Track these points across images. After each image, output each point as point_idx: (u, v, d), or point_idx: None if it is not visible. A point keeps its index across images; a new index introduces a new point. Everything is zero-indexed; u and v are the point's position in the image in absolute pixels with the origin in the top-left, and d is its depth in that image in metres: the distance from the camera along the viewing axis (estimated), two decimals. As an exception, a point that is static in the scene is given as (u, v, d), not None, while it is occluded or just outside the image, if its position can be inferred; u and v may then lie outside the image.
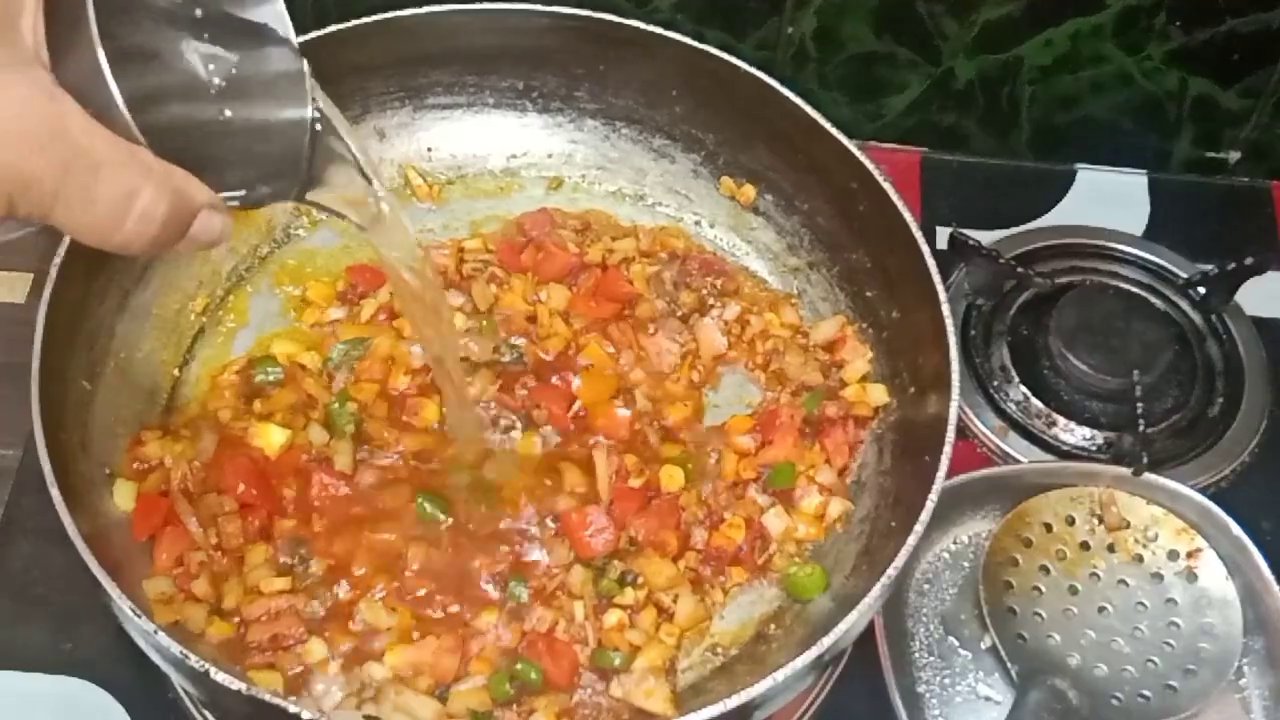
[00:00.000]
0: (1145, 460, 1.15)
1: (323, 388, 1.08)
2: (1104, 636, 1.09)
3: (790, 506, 1.06)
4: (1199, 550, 1.13)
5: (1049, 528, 1.14)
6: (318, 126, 0.76)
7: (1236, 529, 1.12)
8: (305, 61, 0.75)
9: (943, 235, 1.35)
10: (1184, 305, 1.35)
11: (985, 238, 1.34)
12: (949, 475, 0.93)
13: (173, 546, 0.98)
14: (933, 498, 0.92)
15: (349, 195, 0.82)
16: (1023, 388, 1.28)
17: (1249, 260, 1.31)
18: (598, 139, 1.25)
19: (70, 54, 0.63)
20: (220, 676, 0.81)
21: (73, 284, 0.98)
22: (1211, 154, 1.47)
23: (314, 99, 0.75)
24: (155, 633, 0.83)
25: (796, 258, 1.20)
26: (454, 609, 0.98)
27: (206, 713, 1.05)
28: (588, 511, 1.02)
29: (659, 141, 1.24)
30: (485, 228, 1.22)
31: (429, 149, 1.24)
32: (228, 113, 0.72)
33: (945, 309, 1.01)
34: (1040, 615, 1.10)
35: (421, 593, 0.98)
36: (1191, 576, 1.12)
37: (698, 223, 1.24)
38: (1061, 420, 1.26)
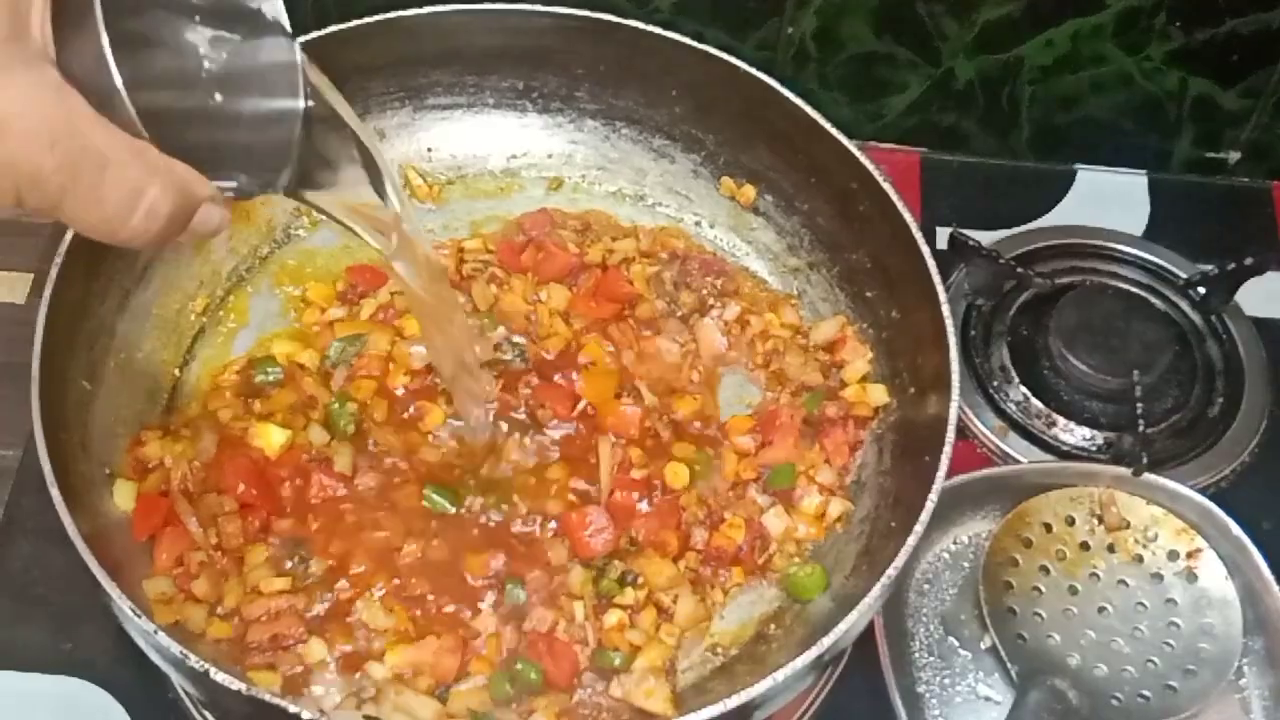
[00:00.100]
0: (1145, 460, 1.15)
1: (322, 387, 1.08)
2: (1104, 636, 1.09)
3: (790, 506, 1.06)
4: (1199, 550, 1.13)
5: (1049, 528, 1.14)
6: (311, 114, 0.77)
7: (1236, 529, 1.12)
8: (300, 52, 0.75)
9: (943, 235, 1.35)
10: (1184, 305, 1.35)
11: (985, 238, 1.34)
12: (949, 475, 0.93)
13: (173, 546, 0.98)
14: (933, 498, 0.92)
15: (358, 204, 0.83)
16: (1023, 388, 1.28)
17: (1249, 260, 1.31)
18: (598, 139, 1.25)
19: (75, 45, 0.64)
20: (220, 676, 0.81)
21: (73, 284, 0.98)
22: (1211, 154, 1.47)
23: (309, 88, 0.76)
24: (155, 633, 0.83)
25: (796, 258, 1.20)
26: (452, 609, 0.98)
27: (206, 713, 1.05)
28: (587, 512, 1.02)
29: (659, 142, 1.24)
30: (485, 228, 1.22)
31: (429, 149, 1.24)
32: (226, 103, 0.73)
33: (945, 309, 1.01)
34: (1040, 615, 1.10)
35: (419, 593, 0.98)
36: (1191, 577, 1.12)
37: (698, 223, 1.24)
38: (1061, 420, 1.26)
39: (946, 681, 1.11)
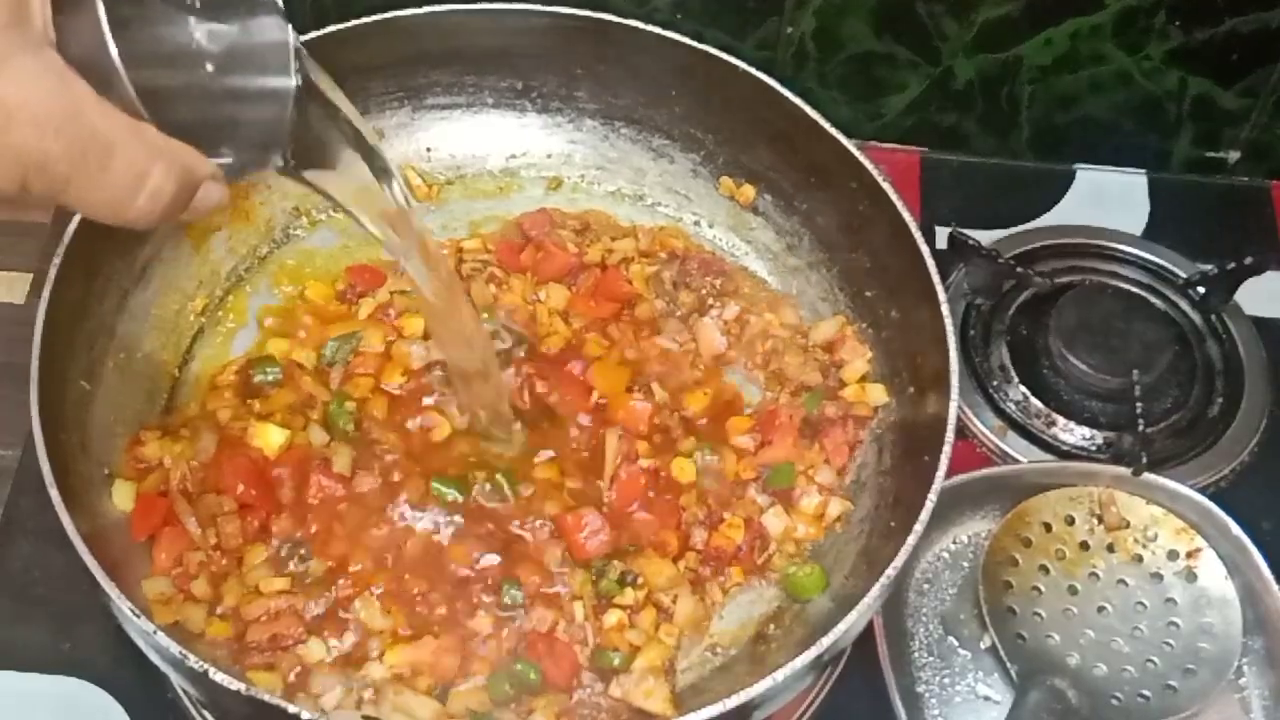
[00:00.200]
0: (1145, 460, 1.15)
1: (321, 385, 1.08)
2: (1103, 636, 1.09)
3: (790, 506, 1.06)
4: (1198, 550, 1.13)
5: (1048, 528, 1.14)
6: (304, 93, 0.77)
7: (1236, 529, 1.12)
8: (293, 31, 0.76)
9: (942, 235, 1.35)
10: (1184, 305, 1.35)
11: (985, 238, 1.34)
12: (948, 475, 0.93)
13: (172, 546, 0.98)
14: (932, 498, 0.92)
15: (358, 190, 0.83)
16: (1022, 387, 1.28)
17: (1249, 260, 1.31)
18: (597, 139, 1.25)
19: (74, 28, 0.64)
20: (219, 677, 0.81)
21: (72, 284, 0.98)
22: (1211, 154, 1.47)
23: (300, 69, 0.77)
24: (154, 633, 0.83)
25: (796, 258, 1.20)
26: (450, 609, 0.98)
27: (206, 713, 1.05)
28: (582, 513, 1.01)
29: (658, 141, 1.24)
30: (484, 228, 1.22)
31: (428, 149, 1.24)
32: (223, 81, 0.74)
33: (945, 309, 1.01)
34: (1040, 615, 1.10)
35: (418, 592, 0.98)
36: (1191, 576, 1.12)
37: (697, 223, 1.24)
38: (1061, 420, 1.26)
39: (946, 681, 1.11)
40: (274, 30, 0.76)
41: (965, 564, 1.16)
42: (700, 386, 1.12)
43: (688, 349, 1.14)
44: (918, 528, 0.90)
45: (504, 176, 1.26)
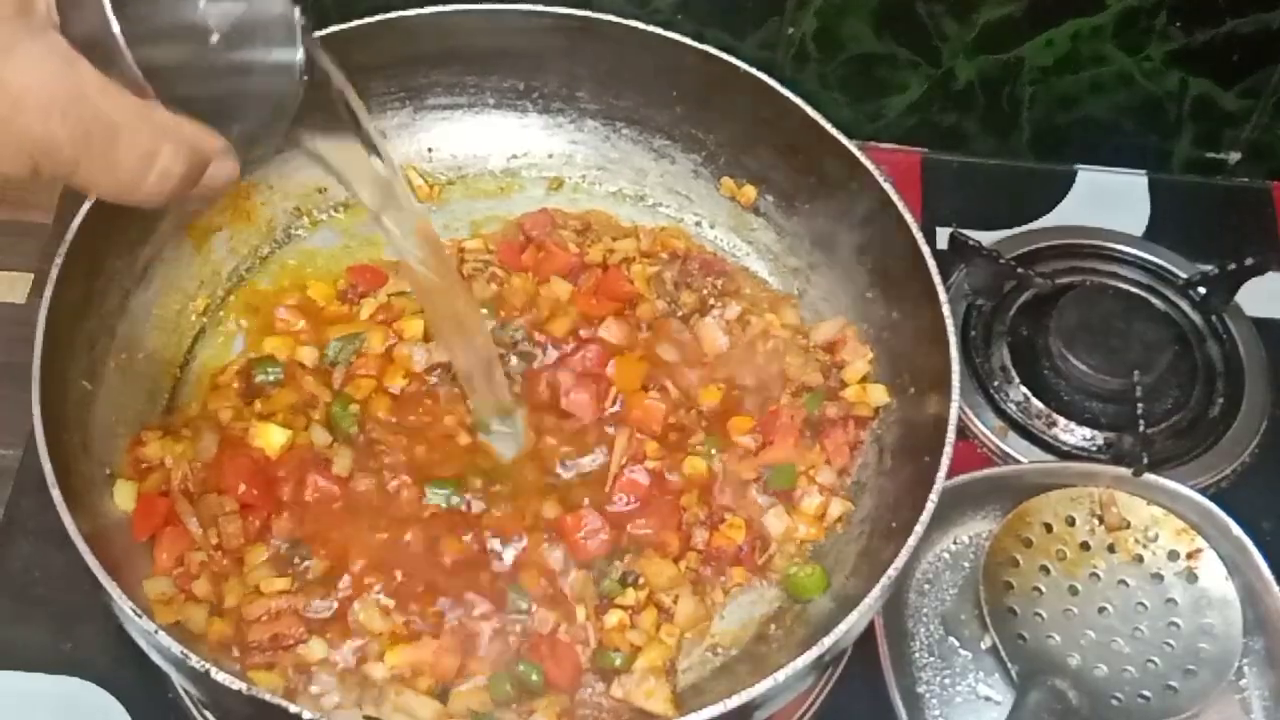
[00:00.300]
0: (1145, 460, 1.15)
1: (323, 385, 1.08)
2: (1104, 637, 1.09)
3: (790, 507, 1.06)
4: (1199, 550, 1.13)
5: (1049, 528, 1.14)
6: (308, 67, 0.77)
7: (1236, 529, 1.12)
8: (294, 3, 0.76)
9: (943, 235, 1.35)
10: (1184, 305, 1.35)
11: (985, 238, 1.34)
12: (949, 476, 0.93)
13: (173, 547, 0.98)
14: (933, 498, 0.92)
15: (351, 162, 0.83)
16: (1023, 388, 1.28)
17: (1249, 260, 1.31)
18: (598, 139, 1.25)
19: (77, 9, 0.64)
20: (220, 676, 0.81)
21: (73, 284, 0.98)
22: (1211, 154, 1.47)
23: (307, 48, 0.77)
24: (155, 633, 0.83)
25: (796, 258, 1.20)
26: (448, 609, 0.98)
27: (207, 713, 1.05)
28: (582, 514, 1.02)
29: (659, 142, 1.24)
30: (486, 228, 1.22)
31: (429, 149, 1.24)
32: (227, 55, 0.74)
33: (945, 309, 1.01)
34: (1040, 615, 1.10)
35: (418, 593, 0.98)
36: (1191, 577, 1.12)
37: (698, 223, 1.24)
38: (1061, 420, 1.26)
39: (946, 681, 1.11)
40: (276, 3, 0.76)
41: (966, 564, 1.16)
42: (714, 380, 1.11)
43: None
44: (919, 528, 0.90)
45: (505, 177, 1.26)
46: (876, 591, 0.89)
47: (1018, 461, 1.23)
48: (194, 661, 0.81)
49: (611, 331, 1.12)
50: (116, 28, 0.64)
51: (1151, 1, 1.33)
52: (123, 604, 0.84)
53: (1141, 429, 1.19)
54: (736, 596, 1.03)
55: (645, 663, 0.96)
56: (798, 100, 1.12)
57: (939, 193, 1.43)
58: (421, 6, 1.14)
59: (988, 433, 1.25)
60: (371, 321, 1.12)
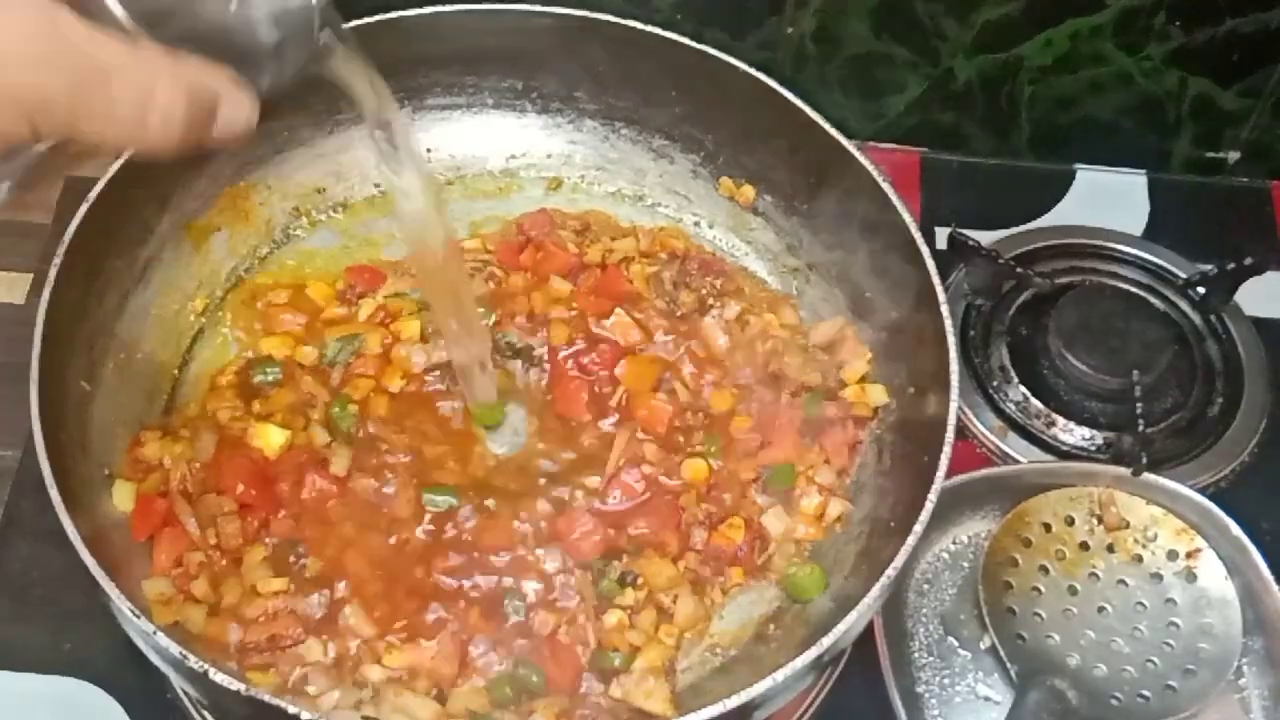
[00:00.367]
0: (1145, 460, 1.15)
1: (322, 385, 1.08)
2: (1103, 636, 1.09)
3: (790, 507, 1.06)
4: (1198, 550, 1.13)
5: (1048, 528, 1.14)
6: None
7: (1236, 529, 1.12)
8: None
9: (942, 235, 1.35)
10: (1184, 305, 1.35)
11: (985, 238, 1.34)
12: (948, 475, 0.93)
13: (172, 547, 0.98)
14: (932, 498, 0.92)
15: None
16: (1022, 388, 1.28)
17: (1249, 260, 1.31)
18: (597, 139, 1.25)
19: None
20: (219, 677, 0.81)
21: (72, 284, 0.98)
22: (1211, 154, 1.47)
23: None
24: (154, 633, 0.83)
25: (796, 258, 1.20)
26: (448, 617, 0.98)
27: (205, 713, 1.05)
28: (574, 515, 1.01)
29: (658, 142, 1.24)
30: (484, 228, 1.22)
31: (428, 150, 1.24)
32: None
33: (945, 309, 1.01)
34: (1040, 615, 1.10)
35: (415, 595, 0.98)
36: (1191, 576, 1.12)
37: (697, 223, 1.24)
38: (1061, 420, 1.26)
39: (946, 681, 1.11)
40: None
41: (965, 564, 1.16)
42: (728, 385, 1.11)
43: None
44: (918, 528, 0.90)
45: (504, 177, 1.26)
46: (876, 591, 0.89)
47: (1017, 461, 1.23)
48: (192, 662, 0.81)
49: (619, 331, 1.12)
50: None
51: (1151, 1, 1.33)
52: (121, 604, 0.84)
53: (1141, 429, 1.19)
54: (735, 596, 1.03)
55: (644, 663, 0.96)
56: (797, 100, 1.12)
57: (938, 192, 1.43)
58: (421, 6, 1.14)
59: (987, 433, 1.25)
60: (370, 323, 1.12)
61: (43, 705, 1.06)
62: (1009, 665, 1.08)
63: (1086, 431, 1.25)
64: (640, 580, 1.00)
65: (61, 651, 1.09)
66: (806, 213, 1.18)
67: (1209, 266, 1.35)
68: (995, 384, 1.29)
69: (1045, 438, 1.25)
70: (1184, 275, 1.36)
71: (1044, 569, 1.12)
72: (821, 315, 1.17)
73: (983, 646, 1.11)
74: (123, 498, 0.99)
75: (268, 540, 1.00)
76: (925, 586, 1.15)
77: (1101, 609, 1.11)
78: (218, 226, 1.16)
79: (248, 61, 0.70)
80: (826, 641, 0.86)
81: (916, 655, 1.12)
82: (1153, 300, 1.34)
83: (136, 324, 1.08)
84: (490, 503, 1.03)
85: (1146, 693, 1.07)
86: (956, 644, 1.13)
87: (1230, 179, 1.49)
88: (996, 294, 1.34)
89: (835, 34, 1.37)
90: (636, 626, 0.98)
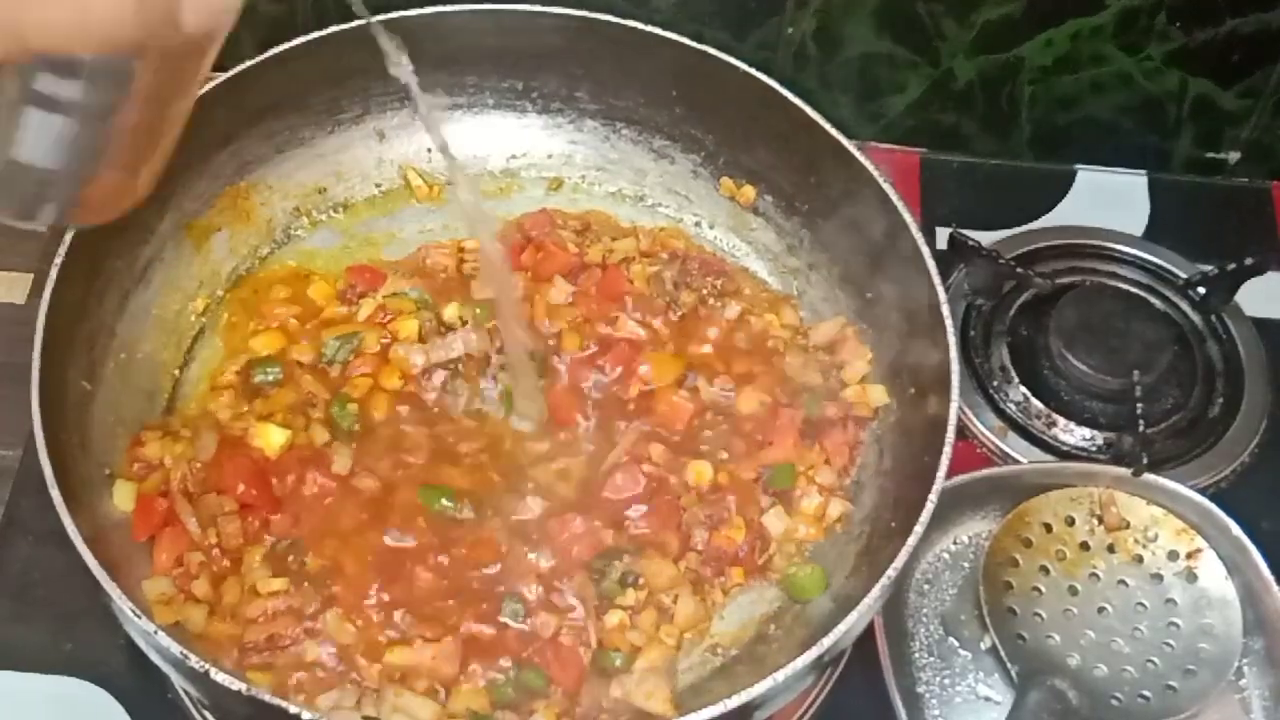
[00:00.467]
0: (1145, 460, 1.15)
1: (321, 385, 1.08)
2: (1104, 637, 1.09)
3: (790, 507, 1.06)
4: (1199, 551, 1.13)
5: (1049, 528, 1.14)
6: None
7: (1236, 529, 1.12)
8: None
9: (942, 236, 1.35)
10: (1184, 305, 1.35)
11: (985, 238, 1.34)
12: (949, 476, 0.93)
13: (172, 547, 0.98)
14: (932, 498, 0.92)
15: None
16: (1022, 388, 1.28)
17: (1249, 260, 1.31)
18: (598, 140, 1.25)
19: None
20: (220, 677, 0.81)
21: (73, 284, 0.98)
22: (1211, 154, 1.47)
23: None
24: (155, 633, 0.83)
25: (796, 258, 1.20)
26: (449, 620, 0.97)
27: (206, 713, 1.05)
28: (566, 518, 1.01)
29: (659, 142, 1.24)
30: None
31: (429, 150, 1.24)
32: None
33: (945, 310, 1.01)
34: (1040, 615, 1.10)
35: (414, 597, 0.98)
36: (1191, 577, 1.12)
37: (698, 223, 1.24)
38: (1061, 420, 1.26)
39: (946, 682, 1.11)
40: None
41: (966, 564, 1.16)
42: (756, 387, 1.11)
43: None
44: (918, 528, 0.90)
45: (505, 177, 1.26)
46: (876, 591, 0.89)
47: (1017, 461, 1.23)
48: (193, 662, 0.81)
49: (628, 329, 1.12)
50: None
51: (1151, 1, 1.33)
52: (122, 604, 0.84)
53: (1141, 429, 1.19)
54: (736, 597, 1.03)
55: (645, 663, 0.96)
56: (797, 100, 1.12)
57: (938, 193, 1.43)
58: (422, 6, 1.14)
59: (987, 433, 1.25)
60: (369, 323, 1.12)
61: (43, 705, 1.06)
62: (1009, 665, 1.08)
63: (1087, 432, 1.25)
64: (641, 580, 1.00)
65: (62, 651, 1.09)
66: (807, 213, 1.18)
67: (1209, 267, 1.35)
68: (996, 384, 1.29)
69: (1045, 438, 1.25)
70: (1184, 275, 1.36)
71: (1044, 569, 1.12)
72: (822, 315, 1.17)
73: (983, 646, 1.11)
74: (123, 497, 1.00)
75: (268, 540, 1.00)
76: (926, 586, 1.15)
77: (1102, 609, 1.11)
78: (218, 226, 1.16)
79: None
80: (827, 642, 0.86)
81: (917, 655, 1.12)
82: (1153, 300, 1.34)
83: (137, 324, 1.08)
84: (490, 503, 1.03)
85: (1147, 693, 1.07)
86: (957, 644, 1.13)
87: (1230, 179, 1.49)
88: (997, 294, 1.34)
89: (836, 34, 1.37)
90: (637, 627, 0.98)
